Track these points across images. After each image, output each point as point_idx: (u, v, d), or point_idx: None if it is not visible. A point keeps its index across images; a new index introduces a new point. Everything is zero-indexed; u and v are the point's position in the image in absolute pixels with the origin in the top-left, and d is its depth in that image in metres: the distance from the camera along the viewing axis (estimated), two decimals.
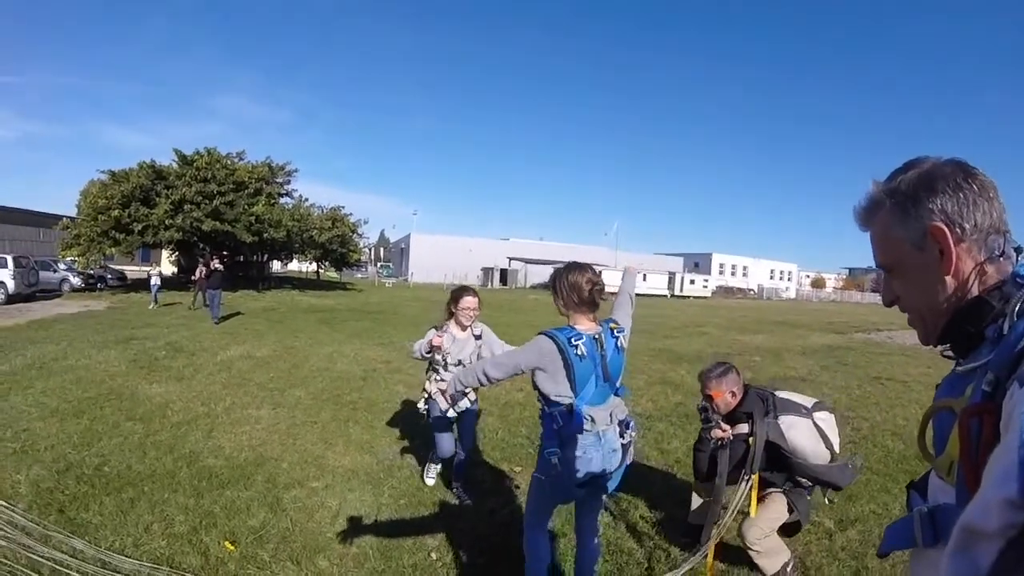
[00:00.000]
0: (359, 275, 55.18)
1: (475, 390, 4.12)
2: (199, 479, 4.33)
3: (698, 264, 74.00)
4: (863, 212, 1.02)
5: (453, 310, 4.16)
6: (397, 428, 5.88)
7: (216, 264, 16.88)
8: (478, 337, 4.20)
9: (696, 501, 3.55)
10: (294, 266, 47.51)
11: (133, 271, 31.31)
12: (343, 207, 35.59)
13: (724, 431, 3.08)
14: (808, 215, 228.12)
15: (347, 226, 34.91)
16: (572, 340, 2.40)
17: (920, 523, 0.89)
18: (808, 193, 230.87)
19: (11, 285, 18.70)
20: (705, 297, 56.46)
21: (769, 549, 3.03)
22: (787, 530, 3.23)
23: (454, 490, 4.24)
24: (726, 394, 3.15)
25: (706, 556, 3.08)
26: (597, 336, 2.49)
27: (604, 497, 2.77)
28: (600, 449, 2.47)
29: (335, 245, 34.41)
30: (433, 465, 4.45)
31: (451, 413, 4.06)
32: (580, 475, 2.46)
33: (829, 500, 3.62)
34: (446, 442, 4.12)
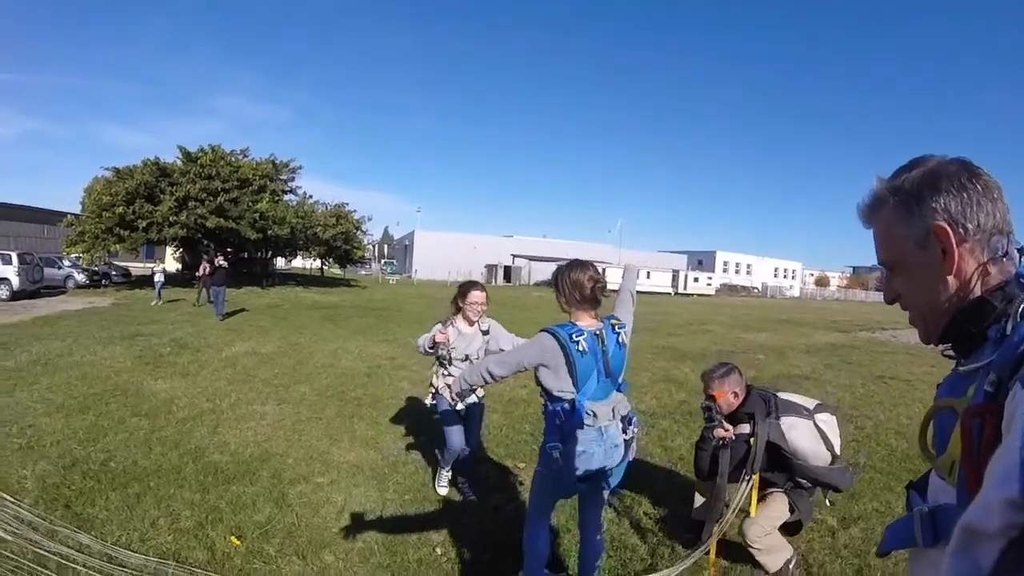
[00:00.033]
0: (363, 272, 55.21)
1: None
2: (205, 474, 4.36)
3: (702, 262, 73.82)
4: (866, 209, 1.02)
5: (460, 305, 4.09)
6: (402, 424, 5.90)
7: (220, 261, 16.95)
8: (485, 332, 4.13)
9: (699, 499, 3.56)
10: (298, 263, 47.59)
11: (137, 268, 31.40)
12: (347, 204, 35.66)
13: (727, 431, 3.09)
14: (812, 213, 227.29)
15: (351, 223, 35.00)
16: (573, 336, 2.43)
17: (920, 523, 0.89)
18: (813, 191, 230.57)
19: (16, 282, 18.82)
20: (709, 295, 56.39)
21: (770, 547, 3.05)
22: (789, 529, 3.24)
23: (458, 486, 4.25)
24: (728, 394, 3.17)
25: (708, 552, 3.09)
26: (598, 332, 2.51)
27: (608, 493, 2.79)
28: (602, 444, 2.50)
29: (339, 242, 34.49)
30: (444, 473, 4.30)
31: (459, 406, 4.02)
32: (581, 470, 2.49)
33: (830, 502, 3.62)
34: (456, 436, 4.05)
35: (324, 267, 41.67)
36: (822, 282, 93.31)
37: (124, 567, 3.01)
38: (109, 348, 9.68)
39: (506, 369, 2.59)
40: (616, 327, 2.60)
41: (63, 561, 2.98)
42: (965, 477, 0.77)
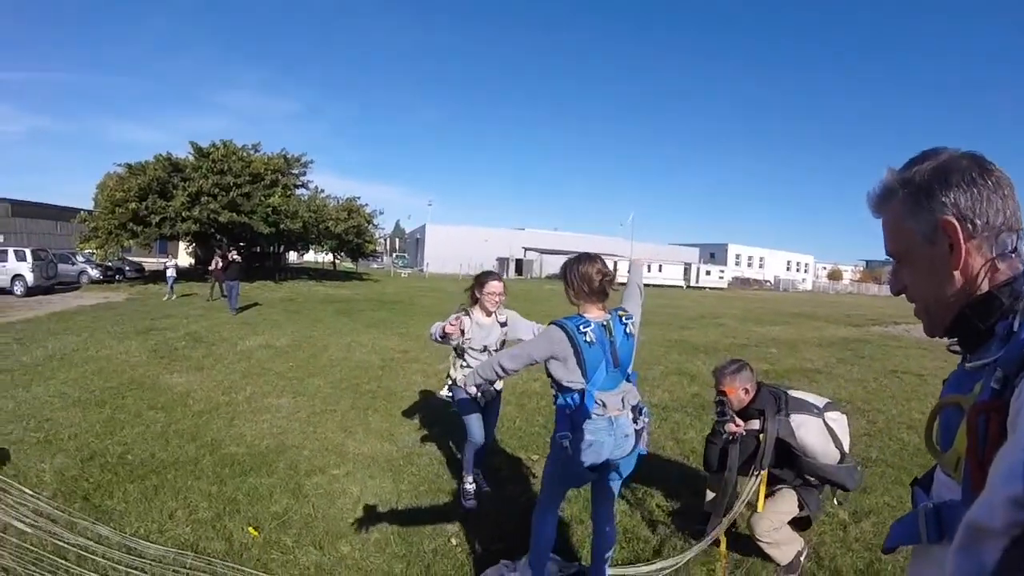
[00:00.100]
0: (375, 265, 55.31)
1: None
2: (222, 466, 4.42)
3: (714, 255, 73.34)
4: (876, 199, 1.01)
5: (478, 295, 3.97)
6: (416, 417, 5.95)
7: (233, 255, 17.06)
8: (503, 324, 4.03)
9: (711, 492, 3.57)
10: (310, 257, 47.67)
11: (151, 263, 31.63)
12: (359, 198, 35.68)
13: (738, 426, 3.10)
14: (825, 206, 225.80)
15: (363, 217, 34.97)
16: (581, 327, 2.47)
17: (925, 519, 0.89)
18: (825, 184, 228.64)
19: (30, 278, 19.00)
20: (721, 288, 56.06)
21: (779, 540, 3.06)
22: (798, 525, 3.25)
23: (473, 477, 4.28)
24: (739, 391, 3.18)
25: (716, 544, 3.12)
26: (606, 323, 2.55)
27: (620, 485, 2.81)
28: (612, 434, 2.53)
29: (351, 236, 34.47)
30: (469, 480, 4.04)
31: (478, 396, 3.93)
32: (591, 459, 2.53)
33: (838, 501, 3.59)
34: (476, 426, 3.95)
35: (336, 261, 41.75)
36: (835, 276, 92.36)
37: (143, 558, 3.06)
38: (124, 343, 9.80)
39: (517, 363, 2.63)
40: (623, 318, 2.62)
41: (83, 553, 3.04)
42: (970, 474, 0.77)
